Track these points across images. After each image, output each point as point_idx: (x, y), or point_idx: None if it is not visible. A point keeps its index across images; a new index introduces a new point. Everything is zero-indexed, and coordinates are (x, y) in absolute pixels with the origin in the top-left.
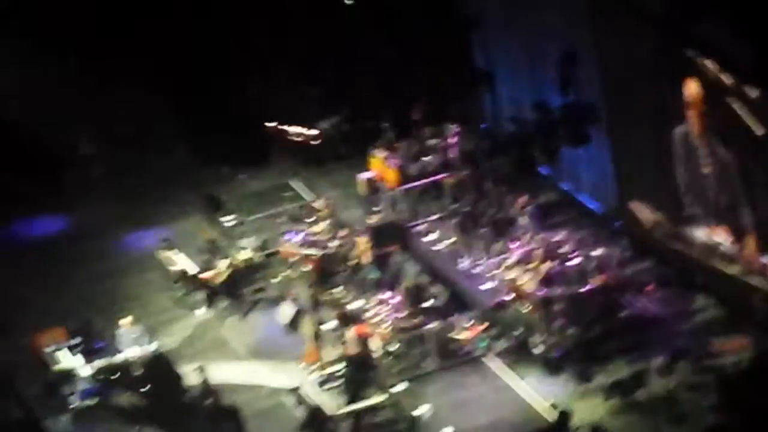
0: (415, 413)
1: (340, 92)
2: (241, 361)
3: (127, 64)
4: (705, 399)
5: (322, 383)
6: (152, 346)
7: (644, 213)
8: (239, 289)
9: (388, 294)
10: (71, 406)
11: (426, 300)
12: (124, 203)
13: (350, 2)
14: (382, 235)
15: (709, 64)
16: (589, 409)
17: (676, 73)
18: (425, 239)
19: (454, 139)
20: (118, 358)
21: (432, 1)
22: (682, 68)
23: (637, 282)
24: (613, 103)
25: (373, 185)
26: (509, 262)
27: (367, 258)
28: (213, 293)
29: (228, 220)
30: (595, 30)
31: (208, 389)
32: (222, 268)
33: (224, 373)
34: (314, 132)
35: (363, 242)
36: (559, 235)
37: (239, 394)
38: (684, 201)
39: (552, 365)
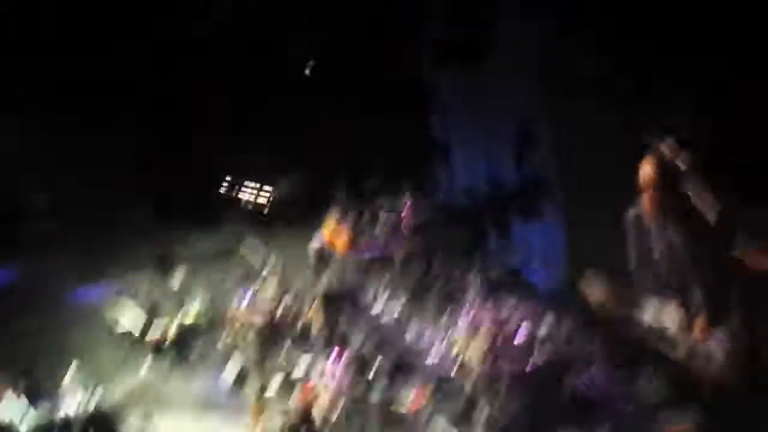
0: None
1: (292, 157)
2: (188, 413)
3: (86, 118)
4: None
5: None
6: (94, 401)
7: (594, 292)
8: (186, 350)
9: (334, 361)
10: None
11: (370, 370)
12: (77, 256)
13: (310, 68)
14: (331, 303)
15: (665, 147)
16: None
17: (632, 154)
18: (373, 309)
19: (408, 211)
20: (59, 414)
21: (392, 72)
22: (637, 150)
23: (584, 359)
24: (566, 180)
25: (324, 252)
26: (455, 336)
27: (317, 324)
28: (158, 352)
29: (178, 280)
30: (549, 109)
31: None
32: (169, 328)
33: (170, 426)
34: (265, 194)
35: (312, 308)
36: (506, 311)
37: None
38: (634, 283)
39: None
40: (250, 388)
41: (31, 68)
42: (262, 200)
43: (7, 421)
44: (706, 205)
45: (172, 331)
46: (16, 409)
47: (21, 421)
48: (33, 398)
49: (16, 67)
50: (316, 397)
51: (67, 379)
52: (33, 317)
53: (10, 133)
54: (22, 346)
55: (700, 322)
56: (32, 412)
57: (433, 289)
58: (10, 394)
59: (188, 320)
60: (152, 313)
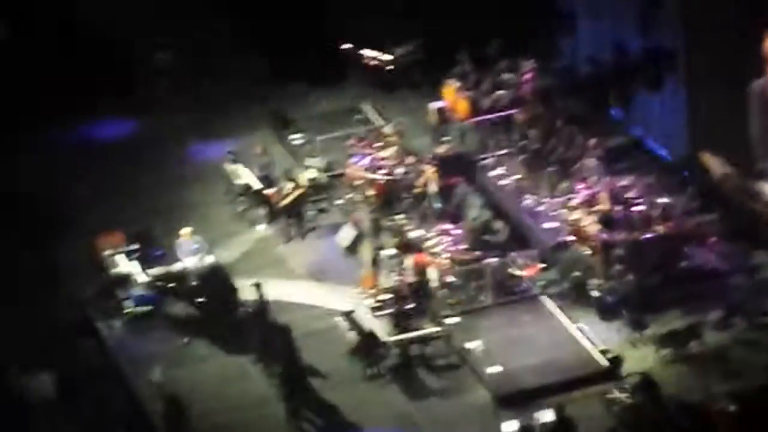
0: (466, 347)
1: (417, 20)
2: (298, 280)
3: None
4: (758, 357)
5: (375, 309)
6: (210, 258)
7: (715, 164)
8: (301, 209)
9: (449, 225)
10: (125, 312)
11: (487, 234)
12: (194, 113)
13: None
14: (448, 166)
15: None
16: (640, 357)
17: (758, 25)
18: (491, 173)
19: (529, 76)
20: (176, 267)
21: None
22: (764, 21)
23: (701, 233)
24: (693, 51)
25: (444, 115)
26: (573, 203)
27: (432, 187)
28: (274, 210)
29: (295, 138)
30: None
31: (262, 306)
32: (288, 188)
33: (280, 291)
34: (389, 57)
35: (429, 171)
36: (625, 180)
37: (293, 313)
38: (755, 155)
39: (607, 310)
40: (365, 251)
41: None
42: (384, 62)
43: (126, 272)
44: None
45: (292, 192)
46: (134, 261)
47: (139, 273)
48: (150, 251)
49: None
50: (432, 258)
51: (184, 233)
52: (152, 172)
53: None
54: (141, 200)
55: None
56: (149, 264)
57: (552, 155)
58: (129, 245)
59: (308, 177)
60: (269, 170)
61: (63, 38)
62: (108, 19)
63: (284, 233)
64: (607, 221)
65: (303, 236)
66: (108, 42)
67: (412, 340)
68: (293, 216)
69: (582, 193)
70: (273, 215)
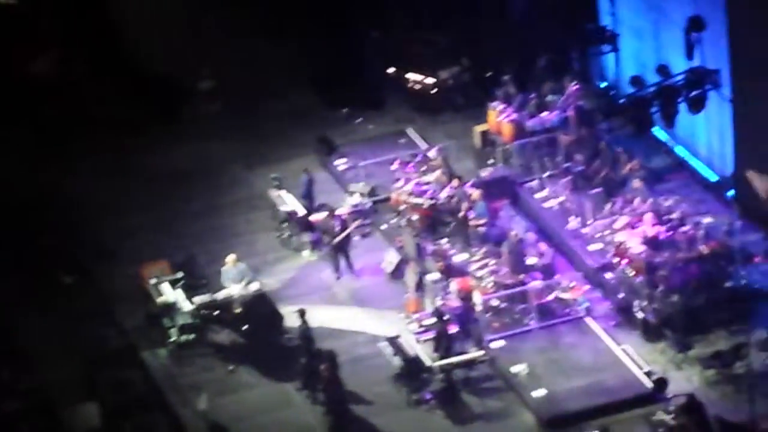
0: (511, 371)
1: (462, 43)
2: (342, 306)
3: (252, 4)
4: None
5: (420, 334)
6: (254, 286)
7: (759, 183)
8: (350, 242)
9: (494, 248)
10: (170, 340)
11: (532, 257)
12: (239, 141)
13: None
14: (493, 189)
15: None
16: (685, 378)
17: None
18: (536, 196)
19: (573, 97)
20: (220, 295)
21: None
22: None
23: (746, 253)
24: (738, 70)
25: (488, 138)
26: (618, 224)
27: (476, 211)
28: (319, 236)
29: (341, 163)
30: None
31: (306, 332)
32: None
33: (324, 317)
34: (433, 80)
35: (474, 194)
36: (670, 200)
37: (338, 340)
38: None
39: (652, 331)
40: (410, 276)
41: None
42: (428, 86)
43: (171, 300)
44: None
45: (334, 214)
46: (179, 289)
47: (184, 301)
48: (196, 279)
49: None
50: (477, 282)
51: (229, 260)
52: (197, 200)
53: (180, 18)
54: (186, 228)
55: None
56: (194, 292)
57: (597, 177)
58: (175, 273)
59: (353, 201)
60: (313, 196)
61: (112, 70)
62: (154, 48)
63: (333, 267)
64: (651, 242)
65: (352, 270)
66: (154, 70)
67: (456, 365)
68: (344, 250)
69: (626, 214)
70: (318, 241)
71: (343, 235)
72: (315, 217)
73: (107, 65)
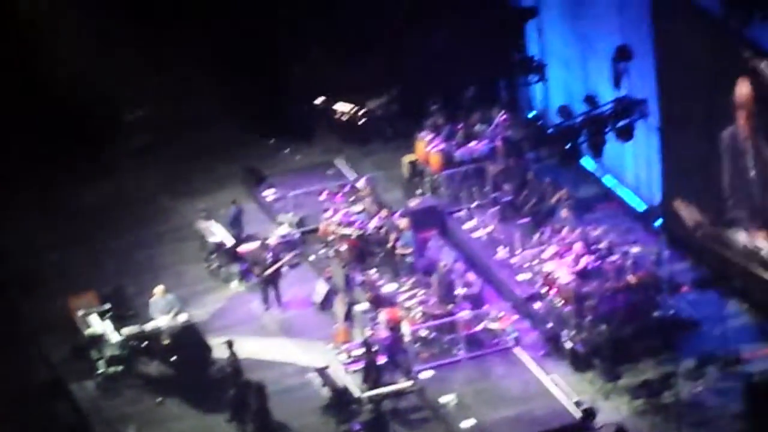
0: (440, 401)
1: (389, 73)
2: (271, 337)
3: (177, 35)
4: (731, 406)
5: (348, 365)
6: (183, 317)
7: (687, 212)
8: (280, 275)
9: (422, 278)
10: (98, 372)
11: (460, 287)
12: (166, 172)
13: None
14: (421, 219)
15: (765, 66)
16: (614, 408)
17: (730, 74)
18: (464, 226)
19: (501, 127)
20: (148, 326)
21: None
22: (736, 69)
23: (673, 282)
24: (666, 100)
25: (417, 168)
26: (546, 254)
27: (404, 241)
28: (248, 267)
29: (269, 194)
30: (653, 27)
31: (235, 364)
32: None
33: (253, 348)
34: (361, 111)
35: (402, 223)
36: (598, 230)
37: (266, 371)
38: (727, 203)
39: (580, 361)
40: (338, 306)
41: None
42: (356, 116)
43: (99, 332)
44: None
45: (263, 245)
46: (107, 321)
47: (112, 332)
48: (123, 310)
49: None
50: (406, 312)
51: (157, 293)
52: (125, 231)
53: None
54: (114, 259)
55: None
56: (122, 323)
57: (525, 207)
58: (102, 305)
59: (281, 232)
60: (242, 227)
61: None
62: (76, 79)
63: (263, 298)
64: (579, 272)
65: (280, 303)
66: (78, 103)
67: (385, 395)
68: (274, 282)
69: (554, 244)
70: (246, 272)
71: (275, 267)
72: (244, 248)
73: (31, 97)
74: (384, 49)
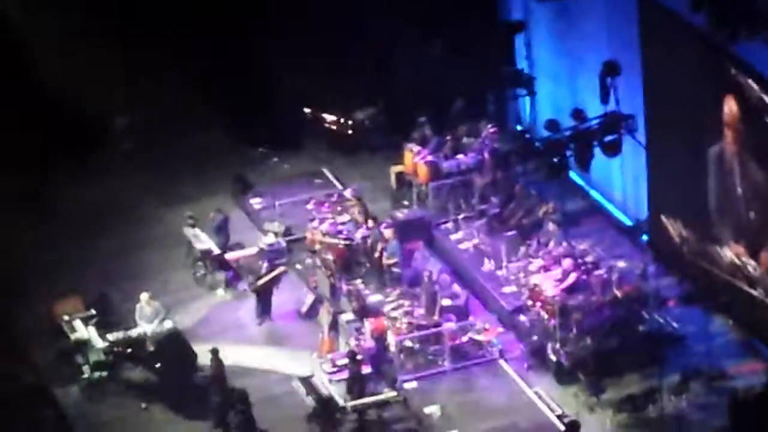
0: (425, 412)
1: (378, 84)
2: (256, 345)
3: (167, 41)
4: (715, 421)
5: (333, 374)
6: (168, 324)
7: (673, 228)
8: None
9: (408, 289)
10: (83, 377)
11: (446, 298)
12: (153, 178)
13: None
14: (408, 230)
15: (751, 83)
16: (598, 421)
17: (717, 90)
18: (451, 237)
19: (489, 139)
20: (134, 332)
21: (478, 2)
22: (723, 86)
23: (659, 297)
24: (653, 116)
25: (404, 179)
26: (532, 267)
27: (391, 252)
28: (235, 275)
29: (256, 202)
30: (641, 43)
31: (220, 371)
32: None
33: (237, 355)
34: (350, 121)
35: (387, 233)
36: (584, 244)
37: (251, 378)
38: (714, 219)
39: (565, 374)
40: (323, 316)
41: None
42: (344, 126)
43: (84, 336)
44: None
45: (248, 253)
46: (91, 326)
47: (97, 338)
48: (110, 316)
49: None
50: (391, 322)
51: (142, 298)
52: (111, 237)
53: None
54: (100, 265)
55: None
56: (107, 329)
57: (512, 219)
58: (87, 310)
59: (268, 241)
60: (227, 235)
61: (20, 105)
62: (64, 83)
63: (256, 313)
64: (567, 286)
65: (269, 313)
66: (66, 108)
67: (370, 405)
68: (267, 293)
69: (541, 257)
70: (232, 280)
71: (269, 277)
72: (231, 256)
73: (19, 101)
74: (373, 60)
